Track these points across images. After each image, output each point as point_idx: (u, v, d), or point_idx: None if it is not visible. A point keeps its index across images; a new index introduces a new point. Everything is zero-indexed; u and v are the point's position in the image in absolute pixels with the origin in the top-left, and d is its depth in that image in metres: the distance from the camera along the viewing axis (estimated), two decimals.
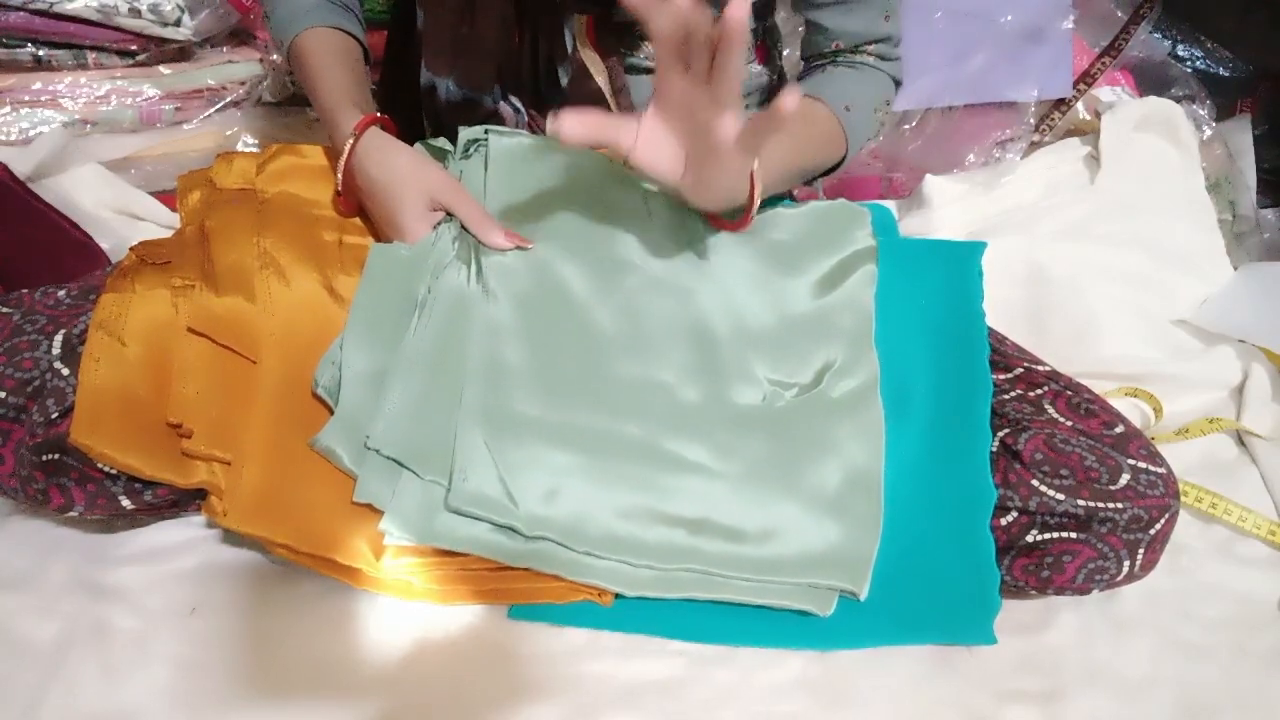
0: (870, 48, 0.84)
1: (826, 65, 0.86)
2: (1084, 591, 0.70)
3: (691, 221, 0.80)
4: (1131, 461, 0.69)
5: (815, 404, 0.73)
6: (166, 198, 1.10)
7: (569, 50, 0.81)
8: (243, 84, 1.18)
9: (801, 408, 0.73)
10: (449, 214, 0.77)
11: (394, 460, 0.67)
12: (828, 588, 0.67)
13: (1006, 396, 0.76)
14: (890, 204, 1.15)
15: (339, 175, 0.77)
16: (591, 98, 0.83)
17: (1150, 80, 1.25)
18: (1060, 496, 0.67)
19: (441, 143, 0.83)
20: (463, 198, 0.76)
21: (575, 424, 0.69)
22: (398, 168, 0.76)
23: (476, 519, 0.66)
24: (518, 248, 0.76)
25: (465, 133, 0.82)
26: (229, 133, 1.18)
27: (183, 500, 0.73)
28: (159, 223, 1.08)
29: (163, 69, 1.14)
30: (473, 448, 0.67)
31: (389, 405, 0.68)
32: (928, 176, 1.12)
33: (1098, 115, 1.16)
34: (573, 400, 0.70)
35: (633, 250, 0.78)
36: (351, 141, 0.76)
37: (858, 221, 0.85)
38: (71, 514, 0.70)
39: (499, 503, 0.66)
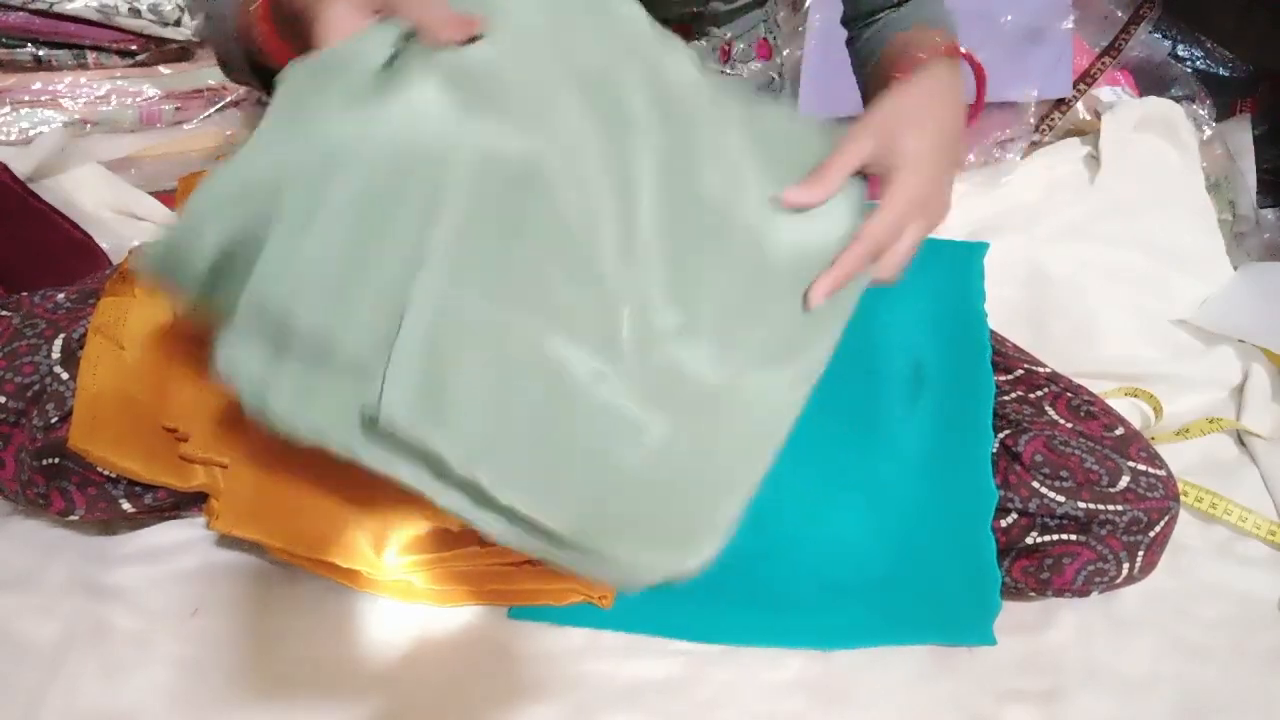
0: None
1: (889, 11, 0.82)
2: (1083, 593, 0.70)
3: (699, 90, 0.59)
4: (1131, 464, 0.69)
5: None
6: (166, 198, 1.10)
7: None
8: None
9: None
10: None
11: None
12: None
13: (1007, 398, 0.76)
14: None
15: None
16: None
17: (1150, 80, 1.25)
18: (1060, 498, 0.67)
19: None
20: None
21: (526, 339, 0.50)
22: None
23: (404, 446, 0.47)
24: (471, 40, 0.50)
25: None
26: (229, 133, 1.17)
27: (183, 503, 0.72)
28: (159, 223, 1.08)
29: (163, 69, 1.14)
30: (411, 355, 0.47)
31: (302, 251, 0.46)
32: None
33: (1098, 115, 1.17)
34: (529, 305, 0.50)
35: (640, 106, 0.55)
36: None
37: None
38: (72, 517, 0.70)
39: (432, 428, 0.46)
